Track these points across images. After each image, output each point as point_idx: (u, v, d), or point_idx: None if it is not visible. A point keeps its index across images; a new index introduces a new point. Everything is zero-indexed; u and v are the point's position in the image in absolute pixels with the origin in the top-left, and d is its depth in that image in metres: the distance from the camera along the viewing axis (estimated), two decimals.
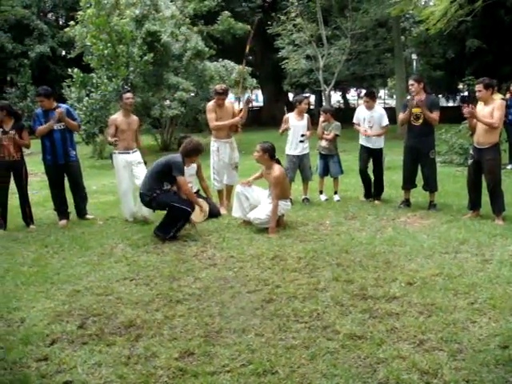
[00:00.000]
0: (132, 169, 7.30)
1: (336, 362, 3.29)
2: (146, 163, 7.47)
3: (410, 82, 7.22)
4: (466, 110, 6.43)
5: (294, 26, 19.39)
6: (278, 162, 6.69)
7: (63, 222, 7.20)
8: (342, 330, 3.70)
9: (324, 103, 19.97)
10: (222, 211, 7.51)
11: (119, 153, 7.29)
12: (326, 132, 8.21)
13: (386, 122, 7.83)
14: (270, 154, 6.57)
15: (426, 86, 7.27)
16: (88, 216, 7.51)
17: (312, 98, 31.72)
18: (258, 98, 35.38)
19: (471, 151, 6.84)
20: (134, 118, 7.51)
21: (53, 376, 3.26)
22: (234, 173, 7.69)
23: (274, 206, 6.40)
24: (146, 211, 7.02)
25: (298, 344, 3.54)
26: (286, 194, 6.76)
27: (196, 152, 6.50)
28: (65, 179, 7.34)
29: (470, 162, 6.85)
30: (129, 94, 7.37)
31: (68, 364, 3.38)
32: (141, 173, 7.12)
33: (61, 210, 7.30)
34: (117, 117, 7.35)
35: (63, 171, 7.23)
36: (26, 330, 3.92)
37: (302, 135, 7.91)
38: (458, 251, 5.43)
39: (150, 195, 6.29)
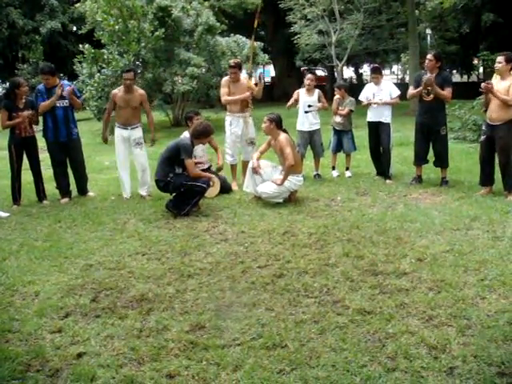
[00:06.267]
0: (131, 147, 7.33)
1: (345, 336, 3.33)
2: (154, 142, 7.61)
3: (429, 56, 7.08)
4: (483, 85, 6.37)
5: (307, 0, 19.12)
6: (285, 132, 6.80)
7: (65, 199, 7.24)
8: (351, 305, 3.74)
9: (337, 79, 19.76)
10: (234, 187, 7.53)
11: (117, 126, 7.33)
12: (340, 108, 8.17)
13: (396, 93, 7.73)
14: (277, 123, 6.73)
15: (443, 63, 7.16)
16: (89, 193, 7.54)
17: (324, 74, 31.47)
18: (269, 73, 34.93)
19: (484, 127, 6.78)
20: (137, 94, 7.23)
21: (67, 348, 3.33)
22: (250, 149, 7.62)
23: (288, 165, 6.48)
24: (143, 191, 7.33)
25: (308, 318, 3.58)
26: (298, 169, 6.78)
27: (205, 134, 6.54)
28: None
29: (482, 138, 6.78)
30: (128, 74, 7.08)
31: (81, 336, 3.45)
32: (139, 155, 7.30)
33: (63, 188, 7.33)
34: (117, 92, 7.30)
35: (65, 149, 7.22)
36: (40, 303, 3.99)
37: (309, 106, 7.85)
38: (469, 228, 5.42)
39: (165, 180, 6.34)
